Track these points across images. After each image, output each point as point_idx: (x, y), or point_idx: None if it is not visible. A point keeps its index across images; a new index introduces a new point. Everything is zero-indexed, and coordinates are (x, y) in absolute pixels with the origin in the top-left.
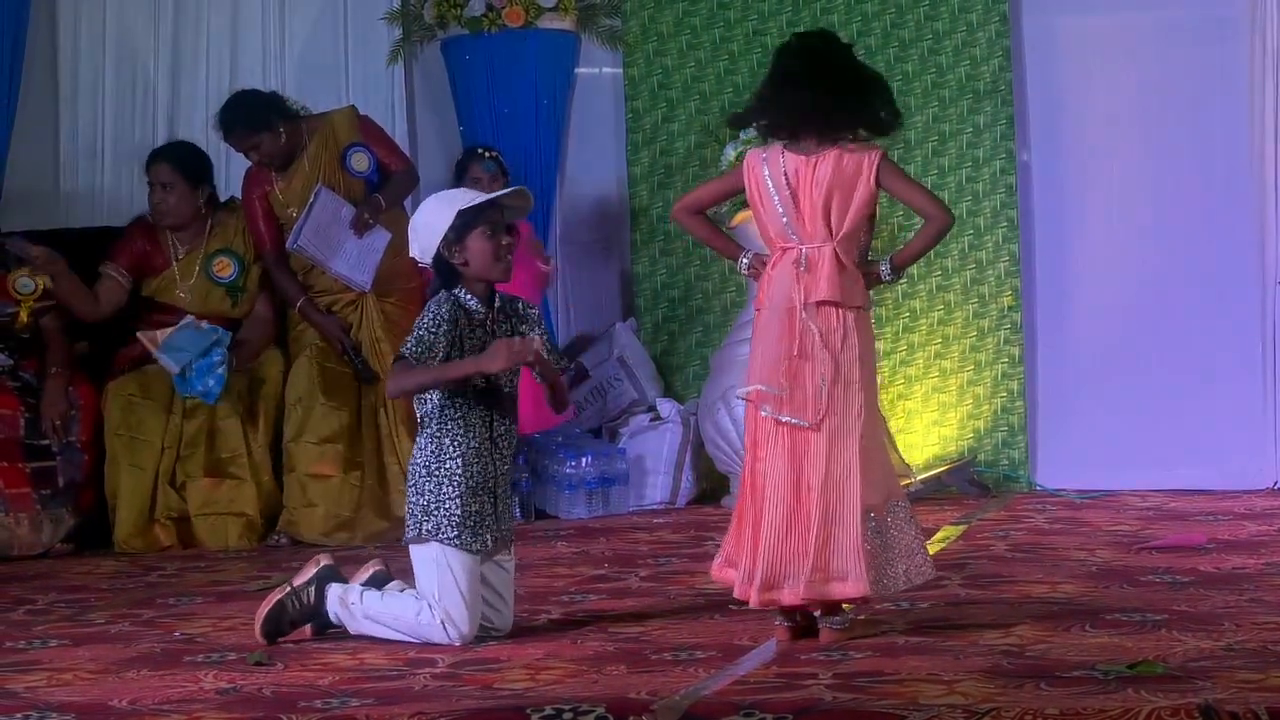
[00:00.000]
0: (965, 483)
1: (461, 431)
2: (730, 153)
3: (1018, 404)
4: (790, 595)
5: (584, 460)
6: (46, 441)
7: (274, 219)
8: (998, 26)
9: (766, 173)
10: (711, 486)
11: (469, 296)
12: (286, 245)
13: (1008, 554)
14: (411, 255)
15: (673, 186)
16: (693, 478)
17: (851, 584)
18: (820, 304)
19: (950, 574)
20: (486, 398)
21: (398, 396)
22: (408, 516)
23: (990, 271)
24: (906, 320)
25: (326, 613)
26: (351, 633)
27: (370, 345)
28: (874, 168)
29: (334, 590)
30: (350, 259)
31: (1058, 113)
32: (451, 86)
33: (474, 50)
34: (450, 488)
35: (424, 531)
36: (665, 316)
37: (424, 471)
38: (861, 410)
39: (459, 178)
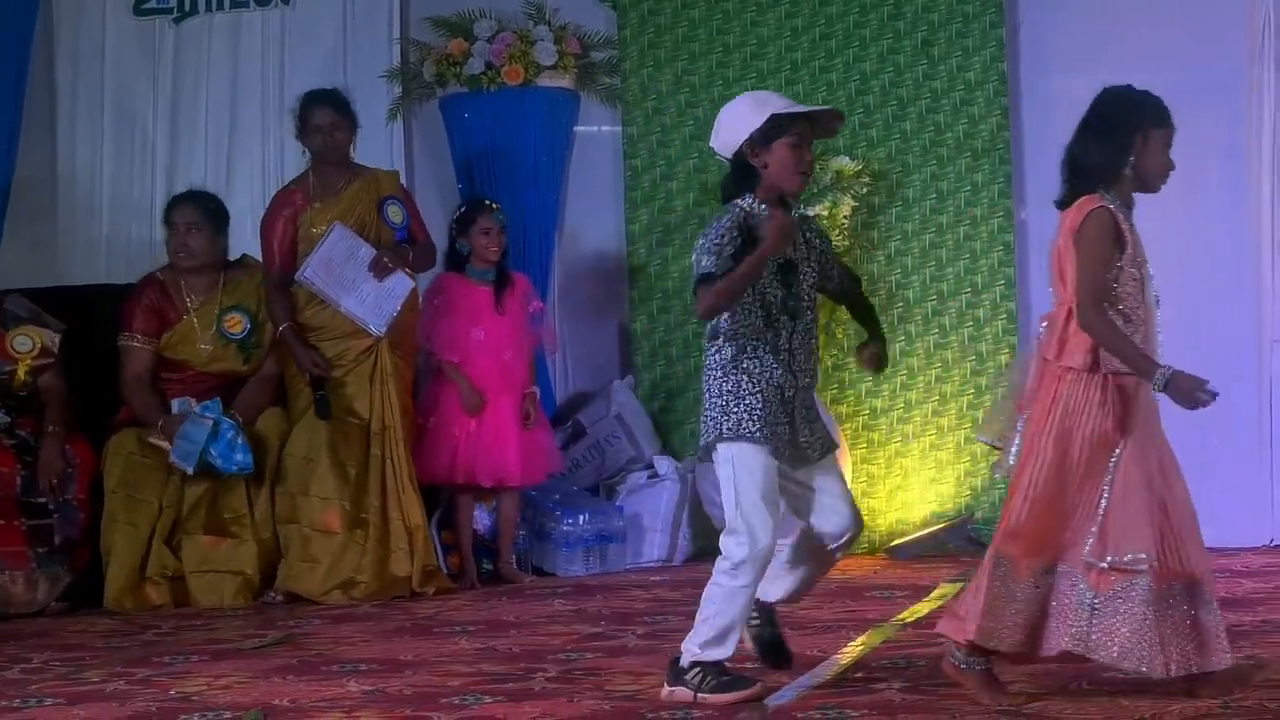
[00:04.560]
0: (963, 540)
1: (758, 336)
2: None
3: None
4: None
5: (581, 518)
6: (44, 499)
7: (291, 242)
8: (996, 85)
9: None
10: (709, 544)
11: (759, 204)
12: (296, 276)
13: None
14: (711, 145)
15: (671, 244)
16: (690, 535)
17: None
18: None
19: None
20: (782, 304)
21: (710, 316)
22: (704, 426)
23: (988, 330)
24: (904, 378)
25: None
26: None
27: (381, 397)
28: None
29: (684, 658)
30: (366, 301)
31: (1056, 172)
32: (450, 144)
33: (473, 108)
34: (749, 383)
35: (724, 431)
36: (663, 374)
37: (719, 373)
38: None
39: (463, 230)
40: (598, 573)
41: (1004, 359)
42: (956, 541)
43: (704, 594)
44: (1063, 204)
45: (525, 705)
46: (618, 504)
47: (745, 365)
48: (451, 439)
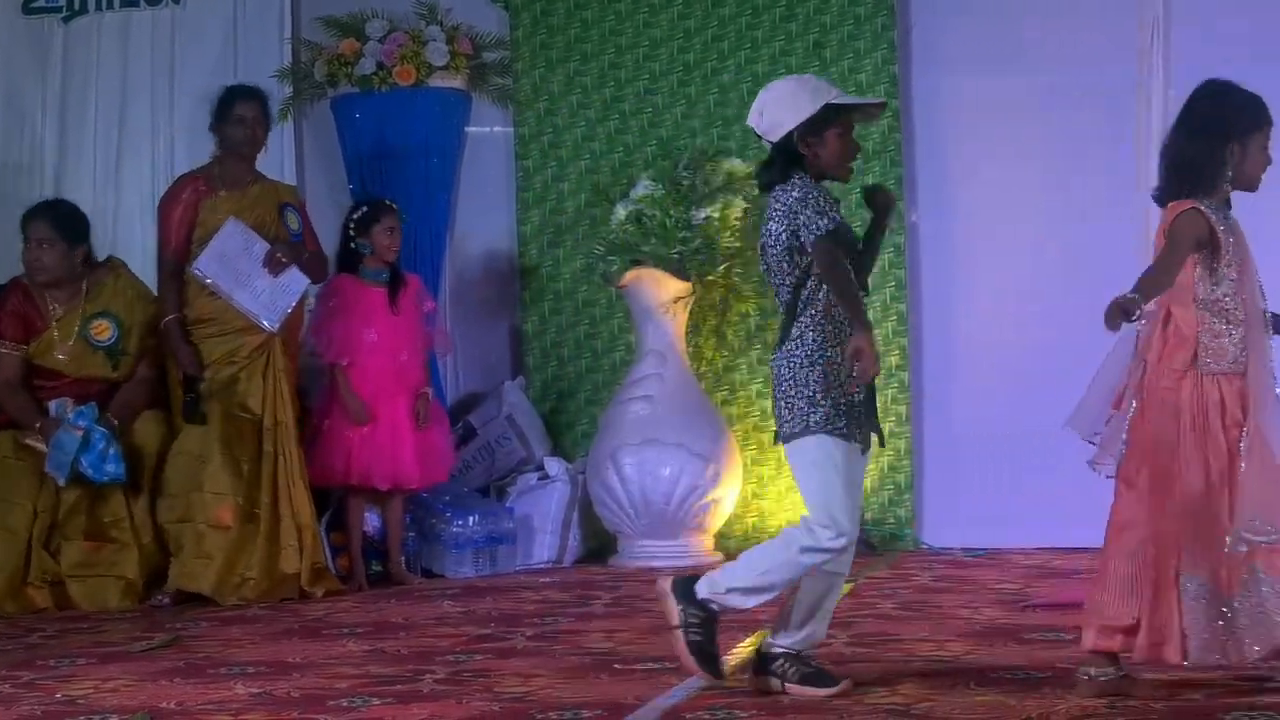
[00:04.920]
0: None
1: (836, 323)
2: (620, 211)
3: (905, 463)
4: None
5: (471, 519)
6: None
7: (189, 227)
8: (887, 87)
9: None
10: (600, 545)
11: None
12: (189, 267)
13: (894, 612)
14: (753, 123)
15: (563, 245)
16: (580, 536)
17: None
18: None
19: (836, 632)
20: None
21: (832, 270)
22: (786, 412)
23: (878, 331)
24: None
25: (710, 606)
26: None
27: (274, 393)
28: None
29: (702, 585)
30: (260, 296)
31: (946, 174)
32: (341, 144)
33: (364, 108)
34: (834, 375)
35: (811, 424)
36: (554, 375)
37: (804, 361)
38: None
39: (364, 230)
40: (487, 574)
41: (894, 359)
42: None
43: (763, 546)
44: (1160, 201)
45: (413, 707)
46: (508, 505)
47: (830, 354)
48: (346, 440)
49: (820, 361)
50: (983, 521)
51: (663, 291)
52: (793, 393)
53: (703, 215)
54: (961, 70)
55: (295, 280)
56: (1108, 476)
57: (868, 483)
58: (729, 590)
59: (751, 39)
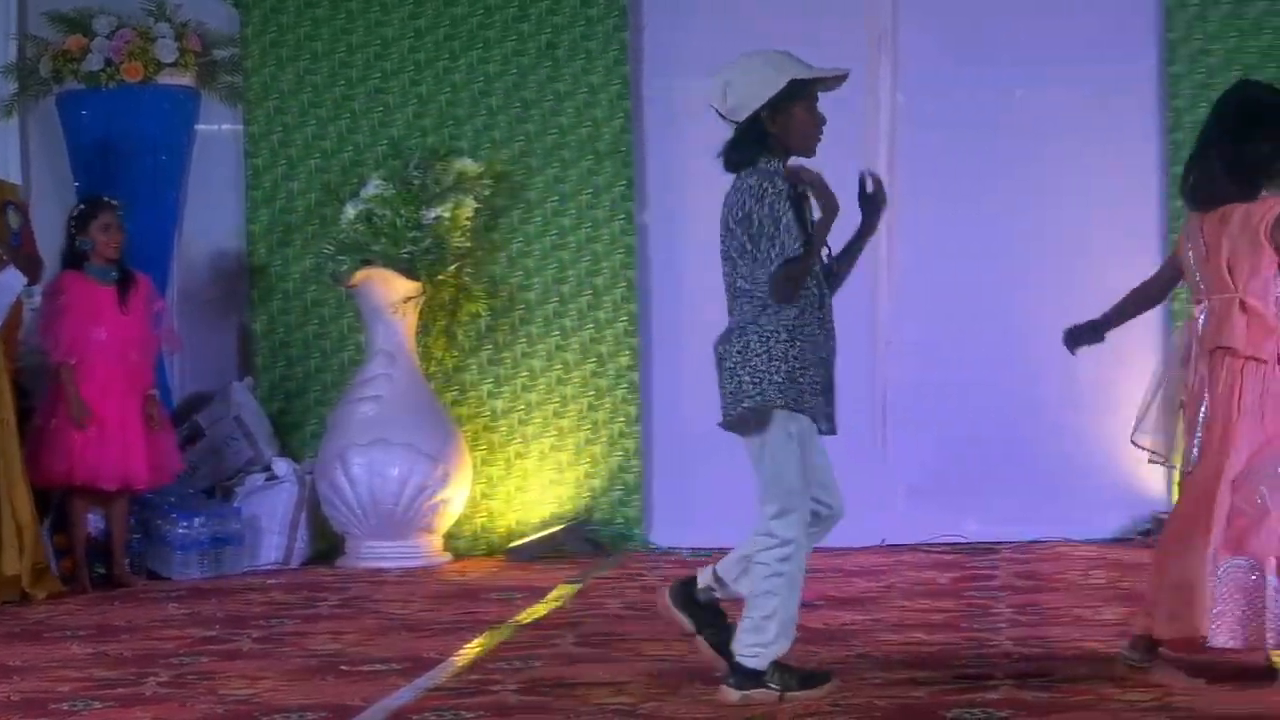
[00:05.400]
0: (581, 541)
1: (813, 303)
2: (350, 211)
3: (634, 463)
4: None
5: (197, 520)
6: None
7: None
8: (619, 89)
9: None
10: (328, 546)
11: (775, 165)
12: None
13: (622, 612)
14: (714, 105)
15: (292, 244)
16: (308, 537)
17: None
18: None
19: (564, 632)
20: (825, 269)
21: (793, 298)
22: (752, 387)
23: (609, 332)
24: (525, 380)
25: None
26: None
27: None
28: None
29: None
30: None
31: (678, 175)
32: (67, 141)
33: (91, 105)
34: (811, 353)
35: (788, 401)
36: (283, 375)
37: (783, 336)
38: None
39: (82, 227)
40: (213, 576)
41: (624, 360)
42: (574, 543)
43: (759, 588)
44: (1214, 200)
45: (136, 710)
46: (235, 506)
47: (807, 332)
48: (70, 441)
49: (799, 339)
50: (711, 521)
51: (392, 291)
52: (765, 366)
53: (433, 215)
54: (693, 72)
55: (13, 277)
56: (1187, 469)
57: (598, 483)
58: (769, 646)
59: (484, 39)
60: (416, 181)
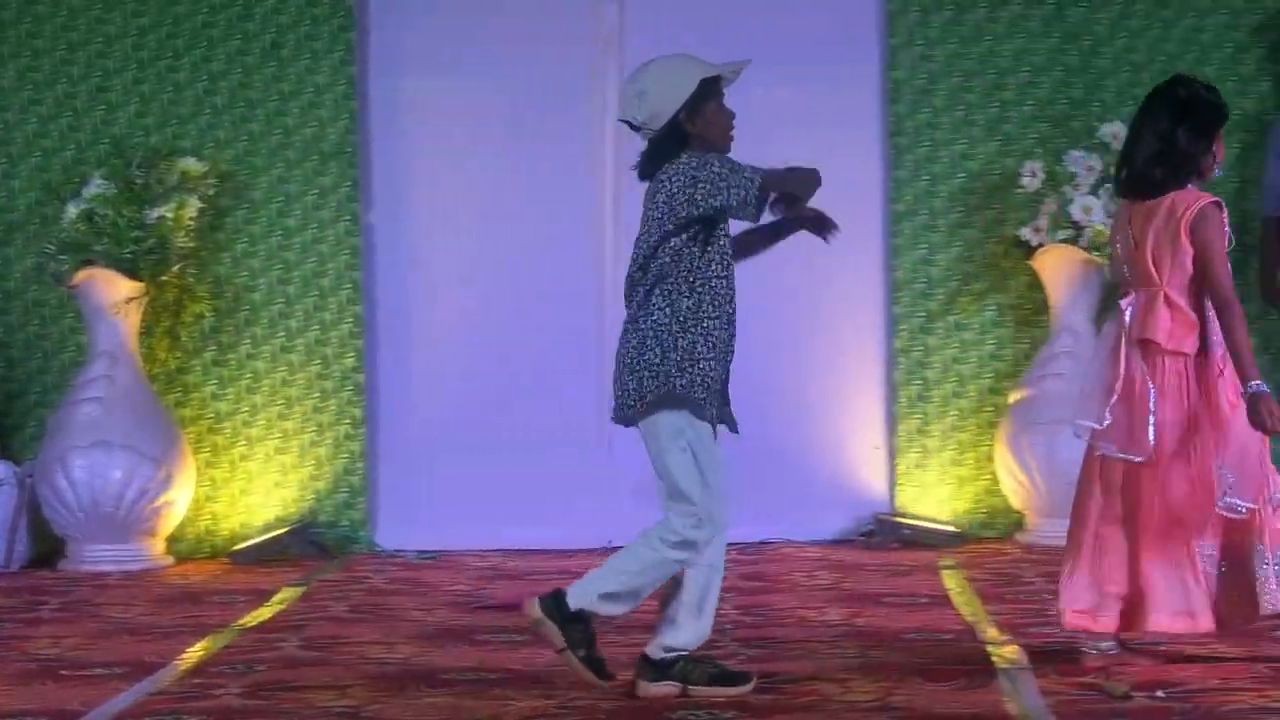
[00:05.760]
0: (305, 544)
1: (720, 292)
2: (72, 210)
3: (359, 465)
4: None
5: None
6: None
7: None
8: (344, 89)
9: None
10: (49, 549)
11: None
12: None
13: (347, 615)
14: (629, 117)
15: (13, 244)
16: (28, 540)
17: None
18: None
19: (288, 635)
20: (736, 261)
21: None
22: (648, 377)
23: (334, 333)
24: (249, 381)
25: (585, 615)
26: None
27: None
28: None
29: (573, 597)
30: None
31: (405, 175)
32: None
33: None
34: (705, 347)
35: (677, 388)
36: (3, 376)
37: (676, 326)
38: None
39: None
40: None
41: (350, 362)
42: (299, 546)
43: (627, 549)
44: (1140, 191)
45: None
46: None
47: (705, 325)
48: None
49: (694, 329)
50: (437, 524)
51: (115, 291)
52: (657, 355)
53: (156, 215)
54: (419, 71)
55: None
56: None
57: (323, 486)
58: (600, 597)
59: (208, 38)
60: (139, 181)
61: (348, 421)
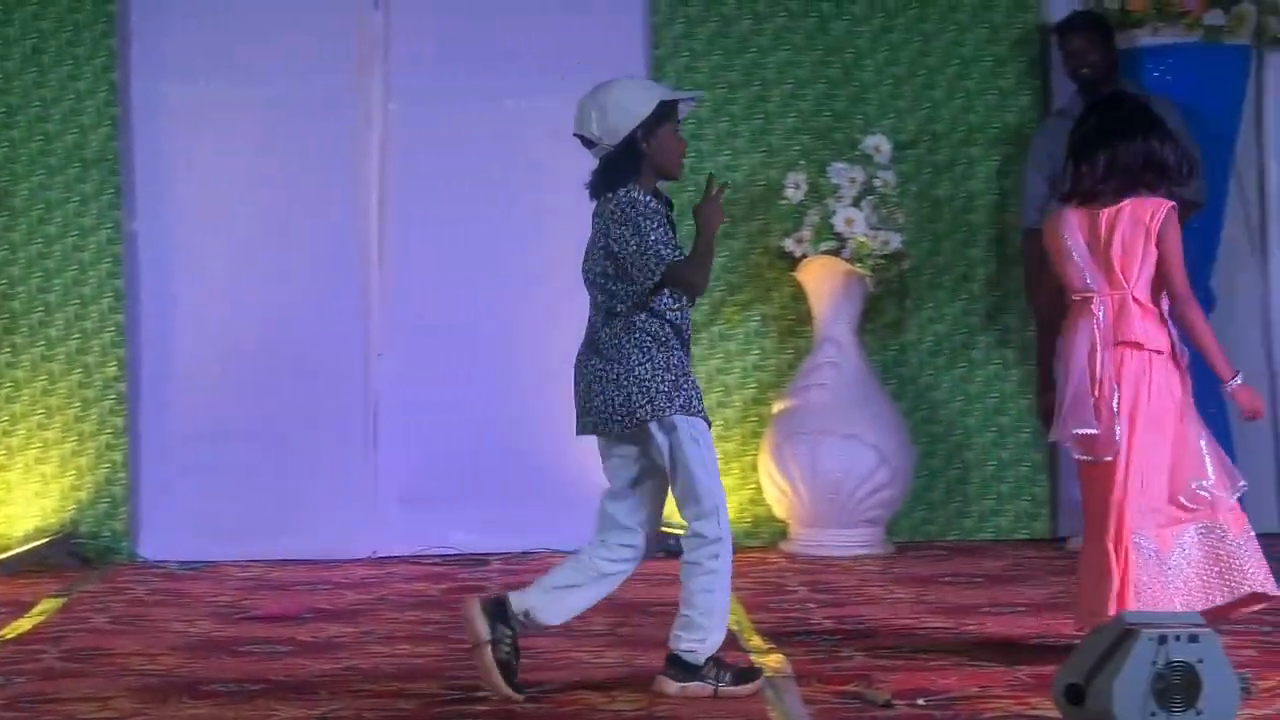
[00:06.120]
0: (65, 555)
1: (682, 319)
2: None
3: (121, 475)
4: None
5: None
6: None
7: None
8: (106, 95)
9: None
10: None
11: (644, 193)
12: None
13: (108, 626)
14: (585, 131)
15: None
16: None
17: None
18: None
19: (48, 647)
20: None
21: (700, 293)
22: (639, 398)
23: (95, 342)
24: (9, 390)
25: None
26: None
27: None
28: None
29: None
30: None
31: (168, 182)
32: None
33: None
34: (681, 364)
35: (678, 407)
36: None
37: (658, 348)
38: None
39: None
40: None
41: (112, 371)
42: (60, 557)
43: (693, 586)
44: (1109, 200)
45: None
46: None
47: (675, 346)
48: None
49: (676, 349)
50: (200, 534)
51: None
52: (646, 377)
53: None
54: (183, 77)
55: None
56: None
57: (84, 496)
58: (713, 640)
59: None
60: None
61: (109, 431)
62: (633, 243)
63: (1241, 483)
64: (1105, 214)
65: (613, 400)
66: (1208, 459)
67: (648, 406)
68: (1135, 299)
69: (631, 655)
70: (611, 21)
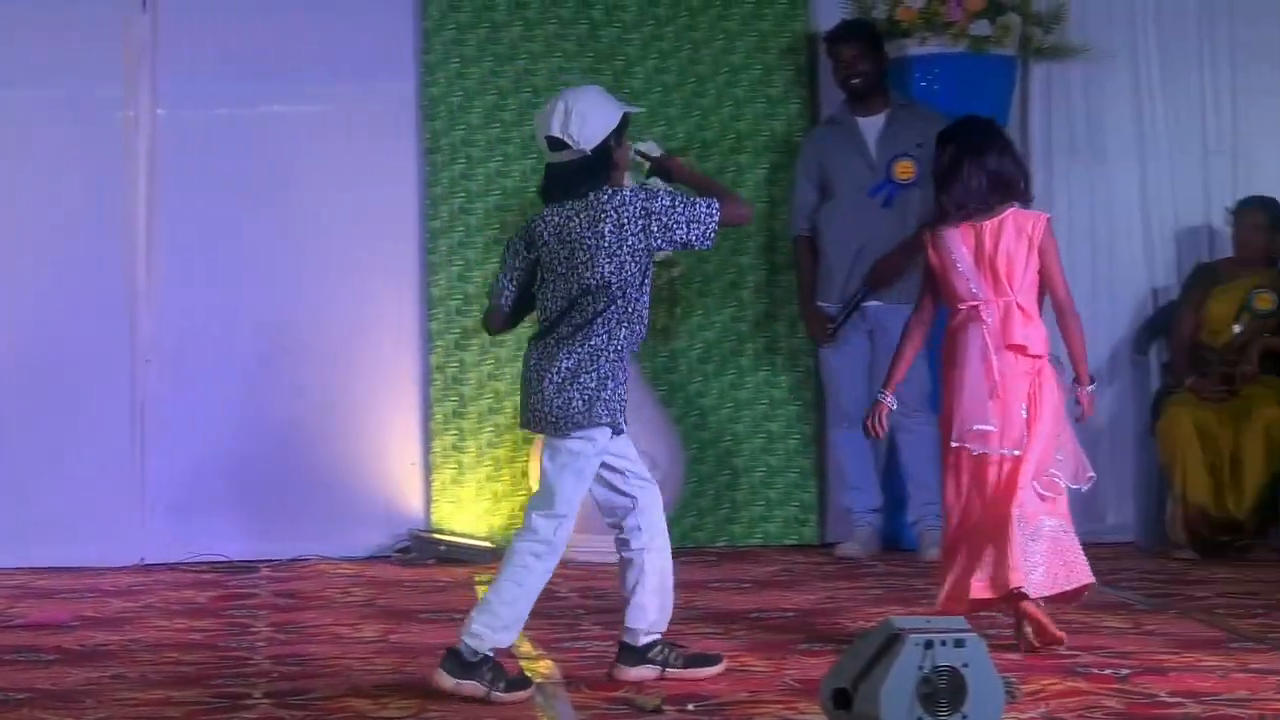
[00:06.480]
0: None
1: (646, 323)
2: None
3: None
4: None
5: None
6: None
7: None
8: None
9: None
10: None
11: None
12: None
13: None
14: (565, 133)
15: None
16: None
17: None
18: None
19: None
20: None
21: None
22: (585, 398)
23: None
24: None
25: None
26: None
27: None
28: None
29: (468, 644)
30: None
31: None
32: None
33: None
34: (625, 375)
35: (603, 419)
36: None
37: (613, 356)
38: None
39: None
40: None
41: None
42: None
43: (506, 573)
44: (983, 210)
45: None
46: None
47: (627, 356)
48: None
49: (627, 360)
50: (49, 540)
51: None
52: (595, 381)
53: None
54: (9, 85)
55: None
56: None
57: None
58: (498, 630)
59: None
60: None
61: None
62: (680, 209)
63: (1090, 474)
64: (989, 225)
65: (571, 403)
66: (1071, 451)
67: (584, 412)
68: (1019, 305)
69: (402, 662)
70: (383, 25)
